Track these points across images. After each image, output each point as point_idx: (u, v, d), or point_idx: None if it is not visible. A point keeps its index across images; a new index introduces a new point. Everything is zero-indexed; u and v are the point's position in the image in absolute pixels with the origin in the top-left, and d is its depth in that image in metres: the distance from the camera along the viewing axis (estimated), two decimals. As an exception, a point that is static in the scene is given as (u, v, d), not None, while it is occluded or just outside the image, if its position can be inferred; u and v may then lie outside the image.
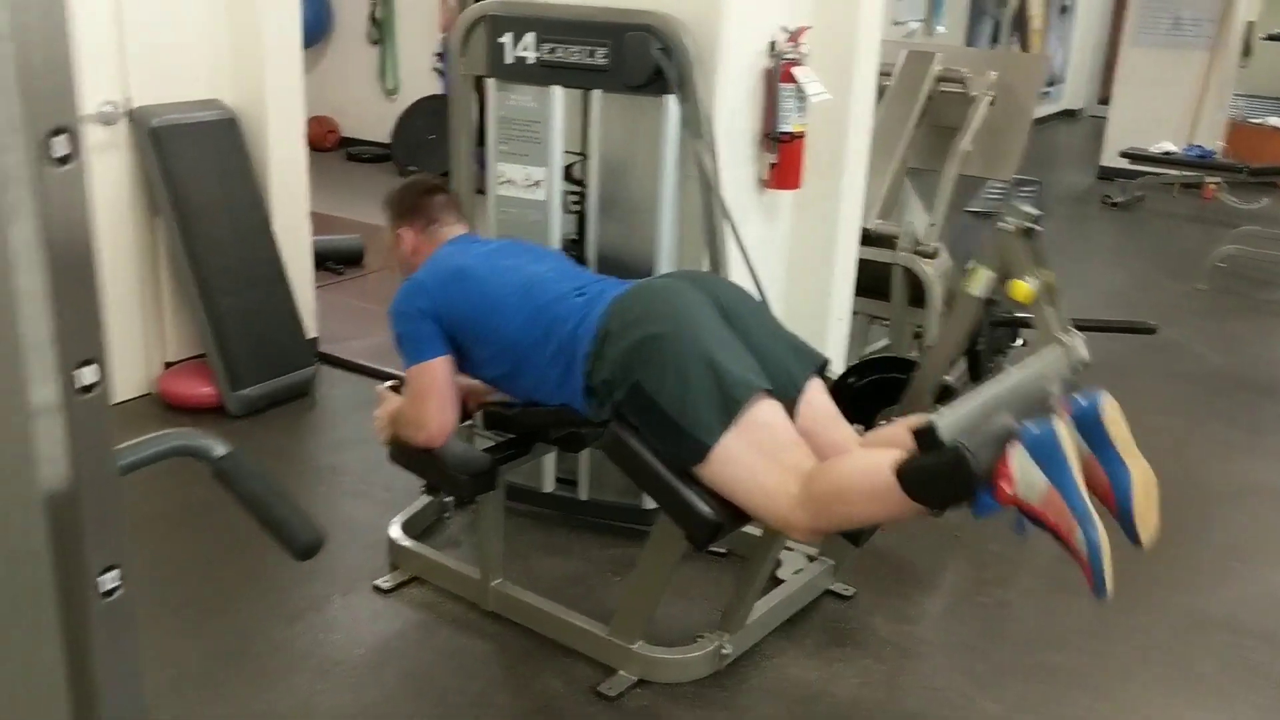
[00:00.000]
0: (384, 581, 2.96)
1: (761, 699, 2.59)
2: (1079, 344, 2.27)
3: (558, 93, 2.95)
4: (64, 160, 0.73)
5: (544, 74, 2.95)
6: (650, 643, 2.64)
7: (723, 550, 3.19)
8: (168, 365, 4.10)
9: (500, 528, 2.84)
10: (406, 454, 2.65)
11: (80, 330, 0.75)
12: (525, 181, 3.06)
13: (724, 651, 2.65)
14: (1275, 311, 5.84)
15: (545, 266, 2.63)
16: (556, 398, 2.41)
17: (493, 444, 2.76)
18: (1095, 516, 1.91)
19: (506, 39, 2.97)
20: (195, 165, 3.89)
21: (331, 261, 5.42)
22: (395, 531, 3.09)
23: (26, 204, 0.71)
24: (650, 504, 3.19)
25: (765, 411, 2.19)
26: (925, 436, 1.90)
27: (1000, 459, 1.90)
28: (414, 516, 3.18)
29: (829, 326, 3.46)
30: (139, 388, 4.05)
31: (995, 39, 9.77)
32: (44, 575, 0.78)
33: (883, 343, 4.22)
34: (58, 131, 0.72)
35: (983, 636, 2.86)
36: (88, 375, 0.75)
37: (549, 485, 3.28)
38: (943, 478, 1.91)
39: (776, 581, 2.91)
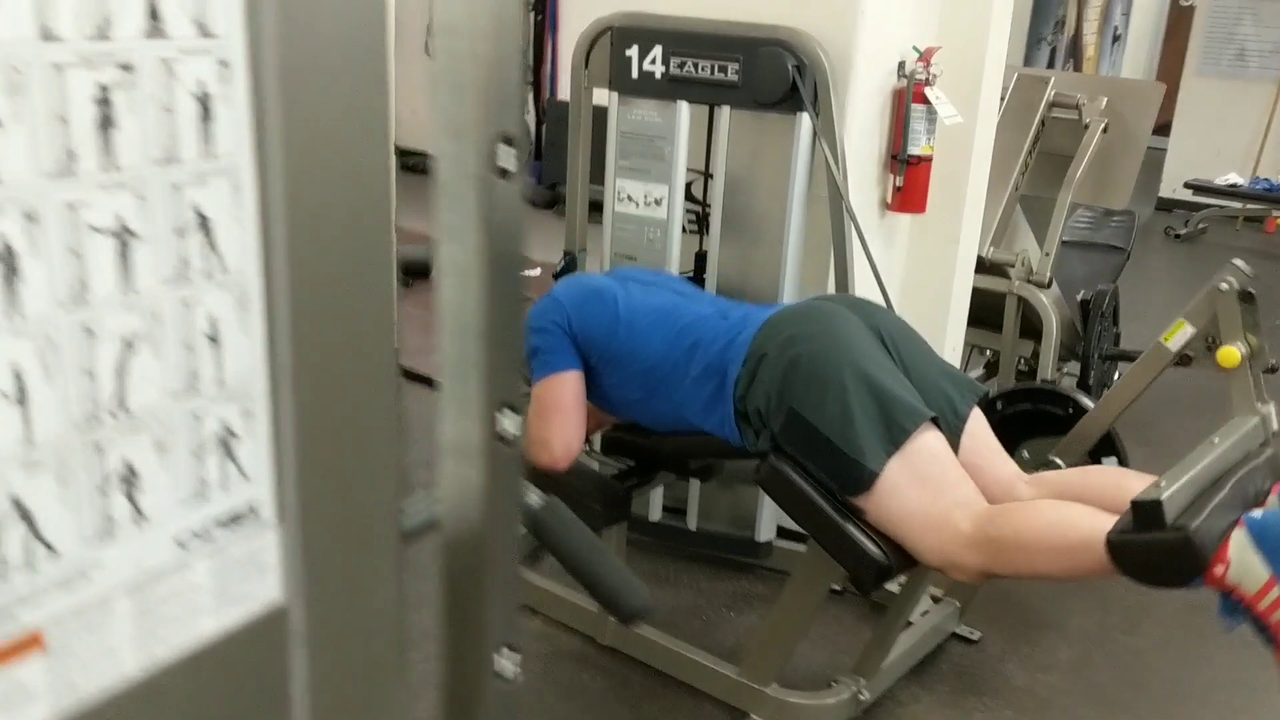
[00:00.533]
0: (492, 611, 2.84)
1: (900, 748, 2.48)
2: (1274, 414, 2.15)
3: (684, 108, 2.85)
4: (505, 174, 0.62)
5: (671, 88, 2.84)
6: (781, 685, 2.52)
7: (839, 587, 3.07)
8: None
9: (622, 558, 2.72)
10: (529, 477, 2.53)
11: (505, 367, 0.64)
12: (645, 199, 2.96)
13: (861, 697, 2.52)
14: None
15: (682, 291, 2.53)
16: (702, 423, 2.30)
17: (615, 470, 2.64)
18: None
19: (633, 52, 2.87)
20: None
21: (400, 273, 5.33)
22: (502, 559, 2.98)
23: (471, 219, 0.60)
24: (764, 536, 3.09)
25: (931, 441, 2.07)
26: (1148, 513, 1.79)
27: (1221, 542, 1.79)
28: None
29: (943, 355, 3.34)
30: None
31: (1050, 65, 9.67)
32: (432, 647, 0.67)
33: (978, 372, 4.10)
34: (505, 140, 0.61)
35: (1121, 687, 2.73)
36: (509, 424, 0.65)
37: (656, 514, 3.16)
38: (1163, 558, 1.78)
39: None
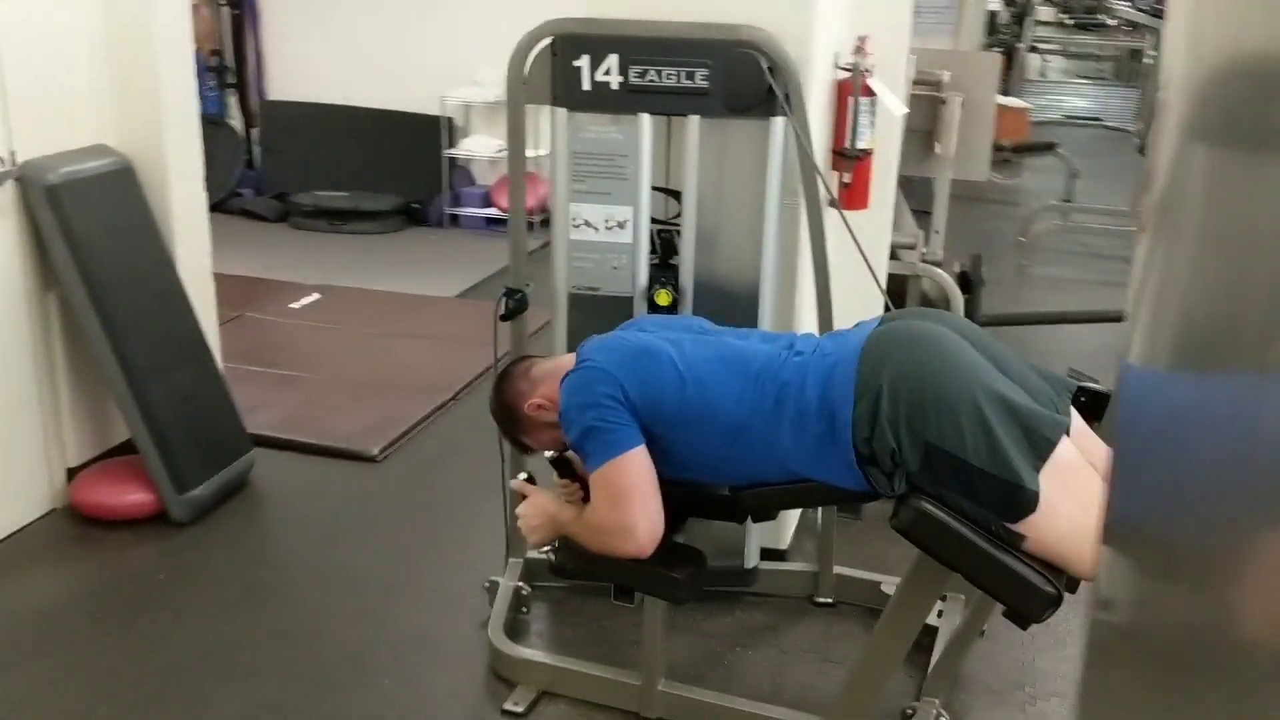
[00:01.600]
0: (514, 704, 2.52)
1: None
2: None
3: (646, 121, 2.61)
4: None
5: (631, 100, 2.59)
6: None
7: (830, 600, 2.98)
8: (70, 471, 3.35)
9: (664, 621, 2.49)
10: (586, 560, 2.24)
11: None
12: (607, 223, 2.69)
13: (942, 718, 2.45)
14: None
15: (722, 332, 2.31)
16: (810, 471, 2.10)
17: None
18: None
19: (582, 63, 2.59)
20: (99, 225, 3.18)
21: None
22: (505, 643, 2.65)
23: None
24: (752, 563, 2.94)
25: (1067, 448, 1.99)
26: None
27: None
28: (505, 618, 2.74)
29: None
30: (41, 504, 3.28)
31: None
32: None
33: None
34: None
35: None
36: None
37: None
38: None
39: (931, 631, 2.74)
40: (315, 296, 5.38)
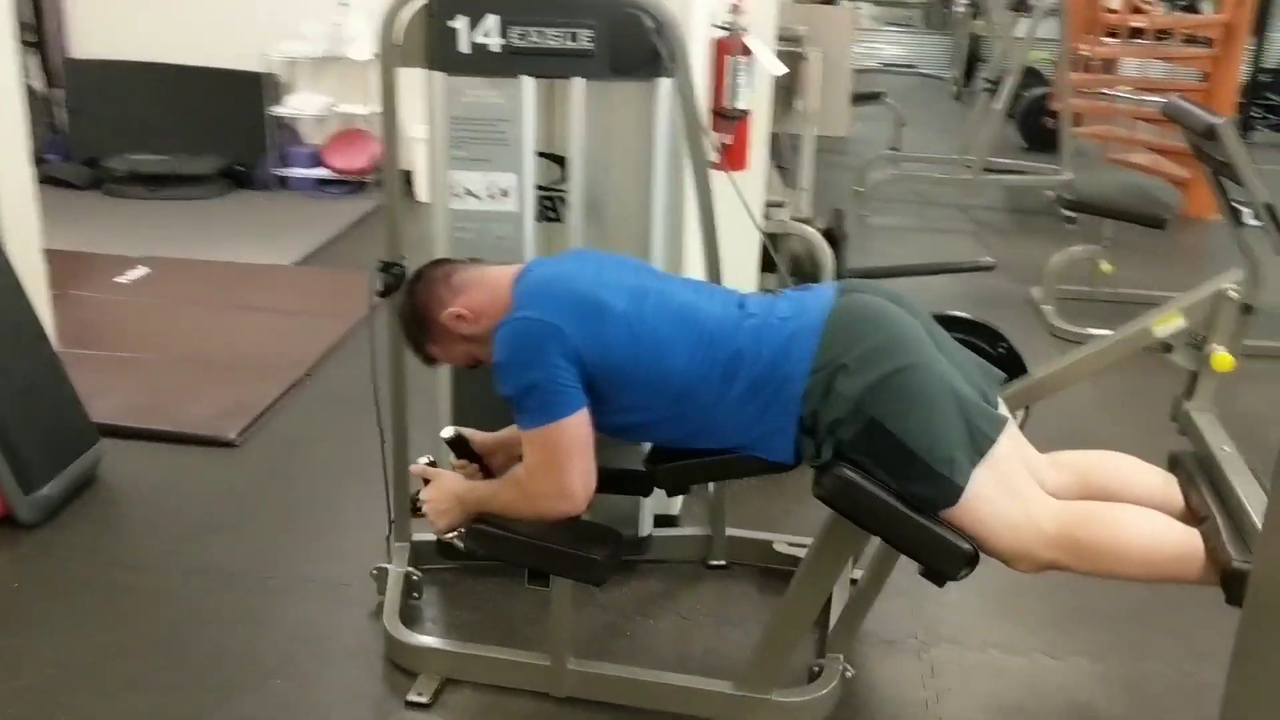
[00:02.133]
0: (419, 695, 2.43)
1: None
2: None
3: (529, 84, 2.51)
4: None
5: (512, 63, 2.48)
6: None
7: (723, 563, 2.98)
8: (-107, 477, 3.04)
9: (571, 600, 2.43)
10: (499, 544, 2.17)
11: None
12: (490, 191, 2.59)
13: (848, 674, 2.48)
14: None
15: (666, 281, 2.24)
16: (738, 440, 2.07)
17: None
18: None
19: (460, 24, 2.47)
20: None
21: None
22: (403, 632, 2.55)
23: None
24: (646, 531, 2.92)
25: (1004, 443, 2.03)
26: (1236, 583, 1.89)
27: None
28: (398, 606, 2.64)
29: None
30: None
31: None
32: None
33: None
34: None
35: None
36: None
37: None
38: None
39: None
40: (143, 270, 5.05)
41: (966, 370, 2.10)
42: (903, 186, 6.95)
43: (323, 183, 6.71)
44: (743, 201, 2.59)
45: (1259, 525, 1.92)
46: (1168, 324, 2.13)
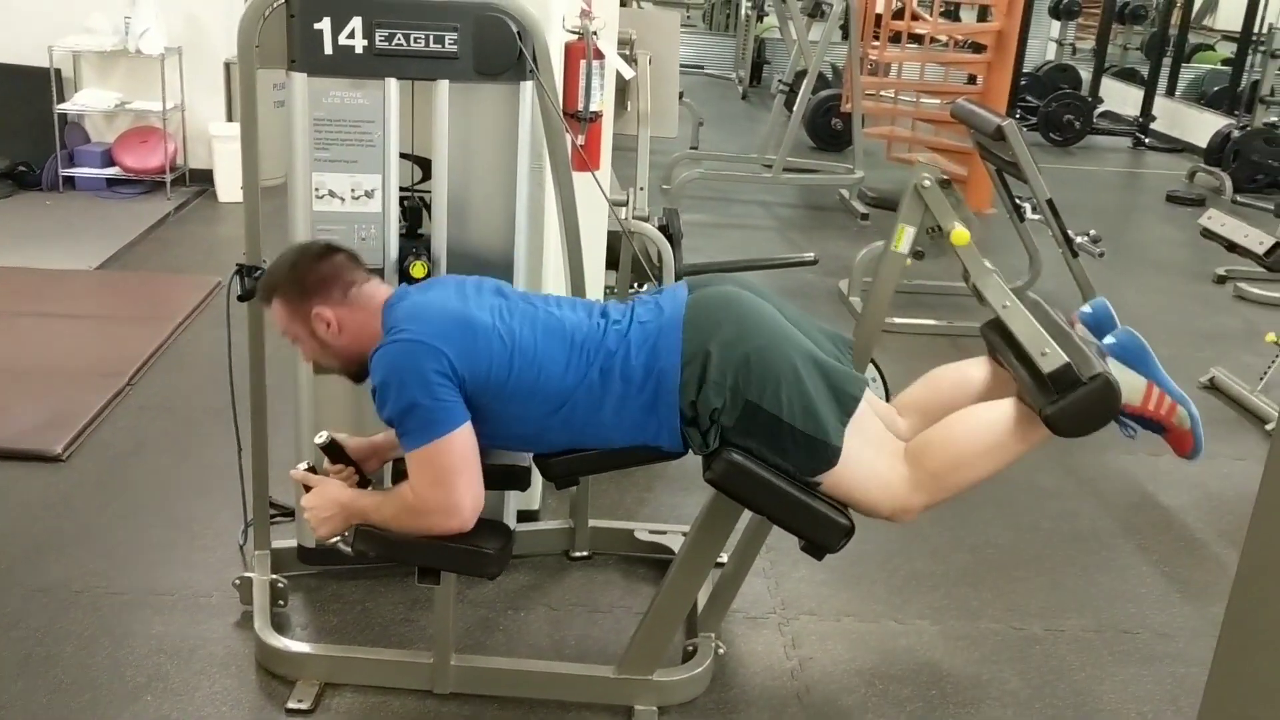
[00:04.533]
0: (299, 702, 2.41)
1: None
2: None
3: (393, 86, 2.52)
4: None
5: (377, 64, 2.49)
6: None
7: (586, 553, 3.06)
8: None
9: (453, 598, 2.46)
10: (389, 545, 2.18)
11: None
12: (354, 193, 2.58)
13: (720, 650, 2.61)
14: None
15: (526, 299, 2.29)
16: (629, 439, 2.15)
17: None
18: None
19: (324, 25, 2.45)
20: None
21: None
22: (275, 638, 2.52)
23: None
24: (510, 526, 2.96)
25: (863, 405, 2.19)
26: (1064, 378, 2.08)
27: None
28: (269, 614, 2.60)
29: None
30: None
31: None
32: None
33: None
34: None
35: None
36: None
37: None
38: (1094, 407, 2.08)
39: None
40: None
41: (819, 340, 2.25)
42: (705, 184, 7.16)
43: (114, 183, 6.39)
44: (607, 200, 2.68)
45: (1043, 368, 2.12)
46: (902, 239, 2.29)
